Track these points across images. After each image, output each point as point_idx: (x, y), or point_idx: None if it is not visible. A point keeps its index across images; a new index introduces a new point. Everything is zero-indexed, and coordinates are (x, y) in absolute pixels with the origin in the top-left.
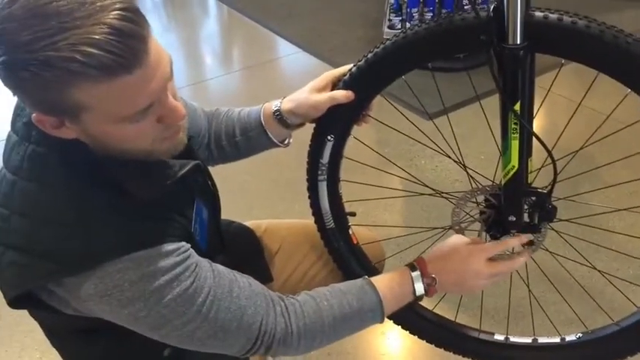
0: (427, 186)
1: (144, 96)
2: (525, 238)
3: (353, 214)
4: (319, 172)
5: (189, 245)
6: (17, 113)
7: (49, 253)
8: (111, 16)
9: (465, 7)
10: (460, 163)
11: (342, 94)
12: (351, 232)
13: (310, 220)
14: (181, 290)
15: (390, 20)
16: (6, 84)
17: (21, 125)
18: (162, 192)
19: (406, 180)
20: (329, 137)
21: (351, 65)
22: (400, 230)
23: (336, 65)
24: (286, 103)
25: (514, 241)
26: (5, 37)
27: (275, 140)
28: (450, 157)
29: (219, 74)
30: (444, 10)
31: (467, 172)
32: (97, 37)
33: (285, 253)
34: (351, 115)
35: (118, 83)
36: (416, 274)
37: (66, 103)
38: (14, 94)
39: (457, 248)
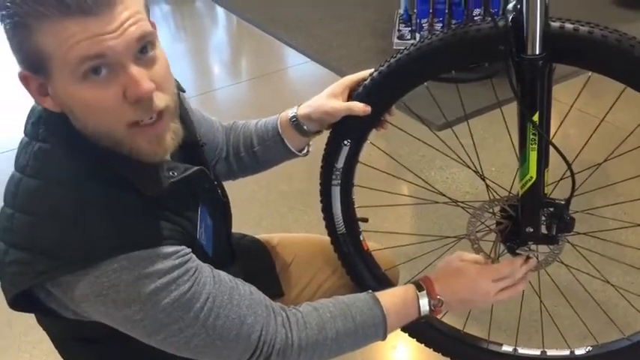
0: (443, 194)
1: (100, 45)
2: (532, 263)
3: (365, 220)
4: (333, 177)
5: (189, 249)
6: (28, 116)
7: (48, 250)
8: None
9: (475, 18)
10: (478, 173)
11: (360, 108)
12: (362, 237)
13: (323, 235)
14: (179, 294)
15: (399, 31)
16: None
17: (30, 126)
18: (165, 191)
19: (420, 188)
20: (345, 142)
21: (371, 70)
22: (411, 239)
23: (344, 75)
24: (303, 109)
25: (520, 261)
26: None
27: (292, 148)
28: (469, 168)
29: (228, 84)
30: (453, 21)
31: (485, 182)
32: None
33: (298, 268)
34: (369, 121)
35: (77, 24)
36: (422, 294)
37: (32, 49)
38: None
39: (465, 268)
